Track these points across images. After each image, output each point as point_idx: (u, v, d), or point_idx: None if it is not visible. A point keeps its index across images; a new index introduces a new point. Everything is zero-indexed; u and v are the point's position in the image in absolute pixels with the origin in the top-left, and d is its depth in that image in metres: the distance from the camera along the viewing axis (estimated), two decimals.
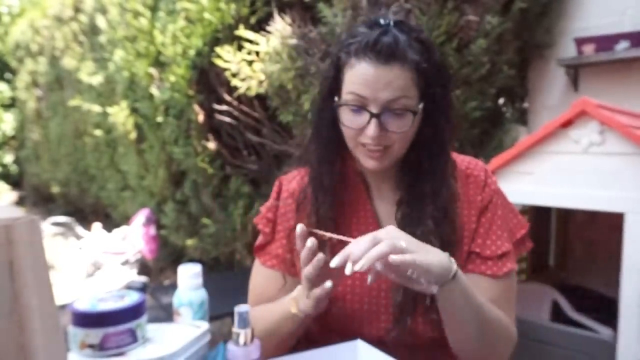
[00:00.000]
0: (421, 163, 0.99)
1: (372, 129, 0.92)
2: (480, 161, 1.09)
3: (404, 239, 0.82)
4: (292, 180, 1.12)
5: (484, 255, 1.00)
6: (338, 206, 1.06)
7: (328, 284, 0.88)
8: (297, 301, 0.94)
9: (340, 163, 1.06)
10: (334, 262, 0.81)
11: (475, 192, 1.04)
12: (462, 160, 1.08)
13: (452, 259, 0.86)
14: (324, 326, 1.05)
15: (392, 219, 1.03)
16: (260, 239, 1.13)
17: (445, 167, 1.00)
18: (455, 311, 0.89)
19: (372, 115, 0.92)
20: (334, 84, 0.99)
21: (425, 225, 0.97)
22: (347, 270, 0.79)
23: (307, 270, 0.88)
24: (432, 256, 0.83)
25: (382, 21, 0.95)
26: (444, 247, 0.90)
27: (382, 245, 0.79)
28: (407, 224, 0.99)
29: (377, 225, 1.05)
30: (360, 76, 0.92)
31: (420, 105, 0.95)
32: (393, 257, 0.78)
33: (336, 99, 0.98)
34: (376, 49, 0.91)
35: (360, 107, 0.93)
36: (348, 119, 0.96)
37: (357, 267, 0.78)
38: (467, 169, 1.06)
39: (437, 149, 0.99)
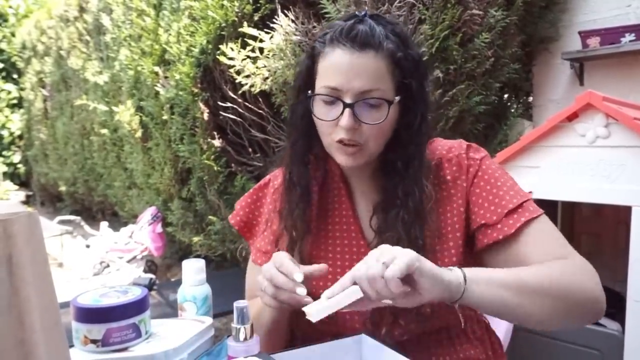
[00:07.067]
0: (394, 164, 0.96)
1: (345, 119, 0.89)
2: (462, 140, 1.05)
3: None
4: (279, 177, 1.10)
5: (491, 223, 0.94)
6: (318, 206, 1.04)
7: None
8: None
9: (323, 162, 1.04)
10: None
11: (460, 172, 1.00)
12: (444, 145, 1.04)
13: (450, 267, 0.82)
14: (318, 330, 1.03)
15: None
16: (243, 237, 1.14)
17: (419, 169, 0.95)
18: (501, 305, 0.84)
19: (346, 105, 0.89)
20: (307, 77, 0.97)
21: (396, 231, 0.93)
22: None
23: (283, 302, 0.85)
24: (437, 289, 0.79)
25: (358, 13, 0.94)
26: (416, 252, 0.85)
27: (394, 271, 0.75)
28: (382, 230, 0.96)
29: (358, 226, 1.03)
30: (334, 64, 0.90)
31: (397, 98, 0.92)
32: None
33: (309, 92, 0.95)
34: (351, 36, 0.89)
35: (333, 98, 0.91)
36: (321, 112, 0.93)
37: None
38: (449, 153, 1.02)
39: (413, 149, 0.95)
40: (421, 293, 0.77)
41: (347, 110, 0.89)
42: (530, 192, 1.04)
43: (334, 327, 0.99)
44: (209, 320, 0.90)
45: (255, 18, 2.62)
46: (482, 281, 0.82)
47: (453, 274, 0.80)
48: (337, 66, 0.90)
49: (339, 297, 0.78)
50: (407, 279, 0.76)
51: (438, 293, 0.78)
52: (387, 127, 0.94)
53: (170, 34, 3.20)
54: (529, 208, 0.95)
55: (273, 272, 0.85)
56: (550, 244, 0.94)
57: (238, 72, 2.54)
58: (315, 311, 0.78)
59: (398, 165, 0.96)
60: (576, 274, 0.89)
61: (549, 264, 0.89)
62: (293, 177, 1.01)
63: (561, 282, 0.87)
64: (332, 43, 0.91)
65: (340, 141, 0.92)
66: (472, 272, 0.82)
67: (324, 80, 0.92)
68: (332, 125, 0.93)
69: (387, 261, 0.75)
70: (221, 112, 2.92)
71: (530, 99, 2.82)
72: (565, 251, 0.93)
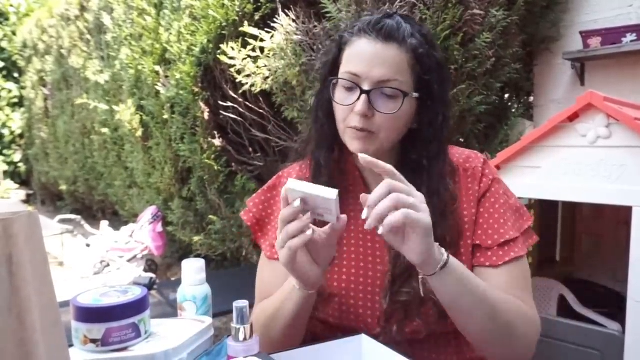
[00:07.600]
0: (419, 162, 0.99)
1: (360, 104, 0.93)
2: (479, 153, 1.08)
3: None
4: (292, 172, 1.12)
5: (484, 246, 0.99)
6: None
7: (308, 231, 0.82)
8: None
9: (338, 156, 1.05)
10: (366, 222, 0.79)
11: (473, 184, 1.03)
12: (461, 153, 1.07)
13: (443, 250, 0.84)
14: (327, 324, 1.05)
15: None
16: (253, 236, 1.15)
17: (443, 168, 0.99)
18: (453, 302, 0.87)
19: (363, 91, 0.93)
20: (333, 64, 1.01)
21: None
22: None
23: (296, 241, 0.82)
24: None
25: (389, 11, 1.00)
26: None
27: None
28: None
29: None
30: (358, 52, 0.95)
31: (415, 95, 0.96)
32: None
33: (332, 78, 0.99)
34: (377, 28, 0.94)
35: (352, 84, 0.95)
36: (340, 97, 0.97)
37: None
38: (466, 163, 1.05)
39: (437, 147, 0.98)
40: (405, 244, 0.80)
41: (363, 96, 0.93)
42: (531, 218, 1.07)
43: (347, 322, 1.01)
44: (208, 320, 0.90)
45: (256, 17, 2.62)
46: (456, 275, 0.85)
47: (440, 256, 0.83)
48: (361, 54, 0.95)
49: (316, 186, 0.80)
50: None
51: (418, 256, 0.80)
52: (400, 120, 0.96)
53: (171, 33, 3.21)
54: (518, 244, 0.99)
55: (282, 211, 0.83)
56: (520, 285, 0.99)
57: (239, 72, 2.54)
58: (292, 182, 0.80)
59: (423, 163, 0.98)
60: (524, 320, 0.94)
61: (511, 297, 0.94)
62: (320, 161, 1.03)
63: (512, 319, 0.91)
64: (359, 33, 0.96)
65: (353, 128, 0.95)
66: (454, 264, 0.85)
67: (346, 67, 0.96)
68: (348, 111, 0.96)
69: (420, 208, 0.78)
70: (222, 112, 2.93)
71: (531, 99, 2.81)
72: (527, 297, 0.99)
